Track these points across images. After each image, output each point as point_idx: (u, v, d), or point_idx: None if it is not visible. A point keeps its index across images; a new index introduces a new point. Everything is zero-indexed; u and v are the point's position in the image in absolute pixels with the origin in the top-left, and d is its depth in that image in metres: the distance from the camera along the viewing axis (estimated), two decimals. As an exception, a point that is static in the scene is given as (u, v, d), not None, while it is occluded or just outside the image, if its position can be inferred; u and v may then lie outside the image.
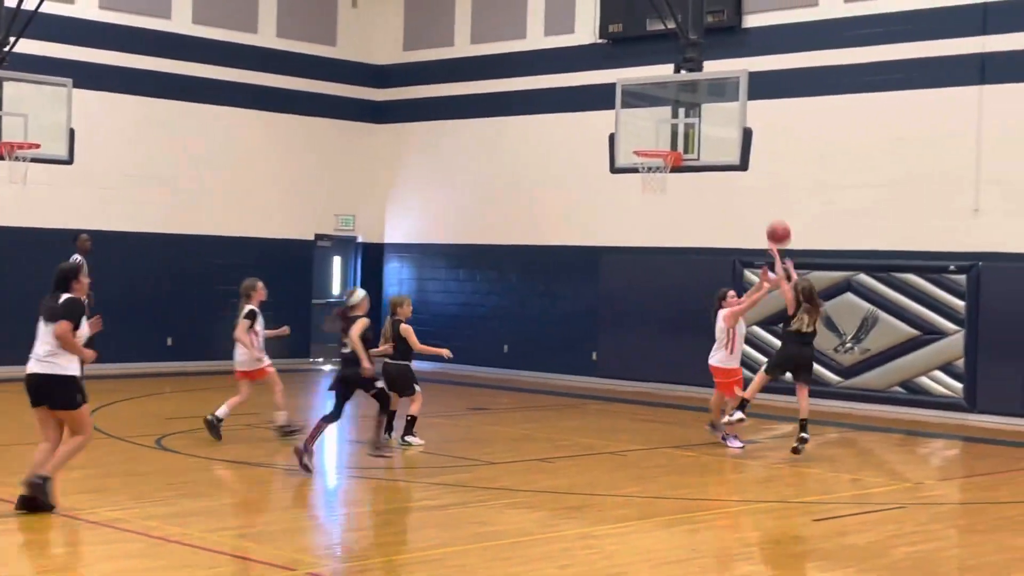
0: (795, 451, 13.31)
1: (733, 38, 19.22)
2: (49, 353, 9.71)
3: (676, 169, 14.71)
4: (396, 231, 24.37)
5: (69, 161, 16.81)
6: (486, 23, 22.92)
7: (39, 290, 20.27)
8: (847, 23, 18.63)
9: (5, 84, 16.05)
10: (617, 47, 20.93)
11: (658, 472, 12.84)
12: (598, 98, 19.64)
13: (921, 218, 17.88)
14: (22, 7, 16.40)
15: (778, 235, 13.75)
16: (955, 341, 17.45)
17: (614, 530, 9.94)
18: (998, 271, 17.16)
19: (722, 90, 14.77)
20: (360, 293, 12.56)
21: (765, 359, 16.60)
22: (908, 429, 16.53)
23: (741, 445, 14.16)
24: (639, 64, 19.16)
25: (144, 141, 21.31)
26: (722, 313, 14.24)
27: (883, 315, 17.96)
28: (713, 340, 14.35)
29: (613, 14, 20.93)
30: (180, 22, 21.83)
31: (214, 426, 13.52)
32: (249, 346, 13.82)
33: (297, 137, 23.27)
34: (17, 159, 15.86)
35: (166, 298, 21.46)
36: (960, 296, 17.44)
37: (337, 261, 24.41)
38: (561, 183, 21.66)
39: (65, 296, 9.87)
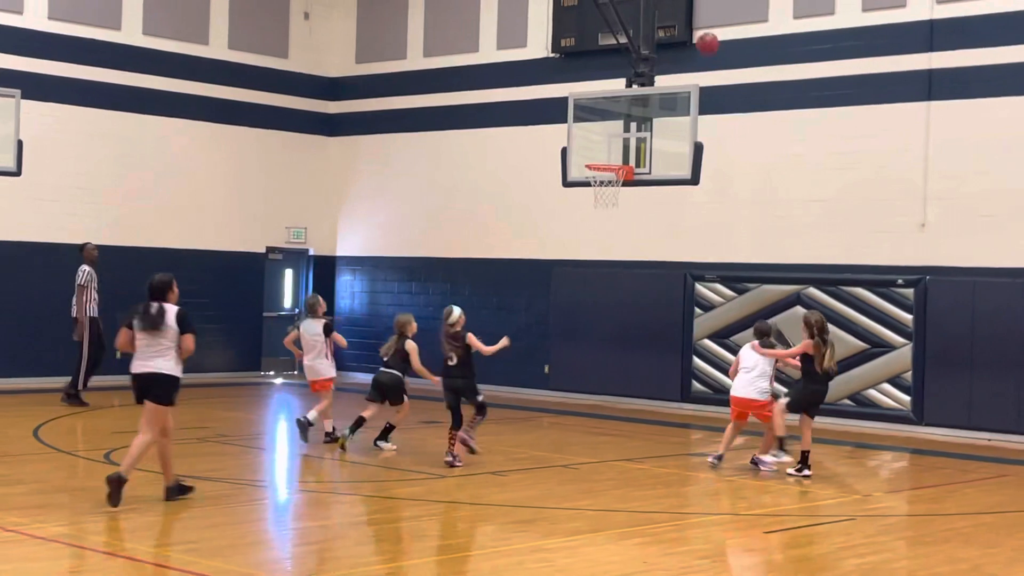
0: (804, 477, 13.12)
1: (684, 53, 19.34)
2: (157, 355, 10.76)
3: (628, 183, 14.78)
4: (348, 244, 24.31)
5: (17, 173, 16.64)
6: (439, 36, 22.94)
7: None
8: (796, 39, 18.81)
9: (-48, 95, 15.89)
10: (569, 61, 21.01)
11: (609, 485, 12.87)
12: (550, 112, 19.73)
13: (869, 232, 18.06)
14: (-30, 17, 16.25)
15: (708, 45, 14.41)
16: (903, 354, 17.63)
17: (566, 543, 9.95)
18: (945, 284, 17.35)
19: (673, 104, 14.88)
20: (457, 311, 13.60)
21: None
22: (857, 441, 16.67)
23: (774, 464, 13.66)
24: (591, 78, 19.28)
25: (93, 153, 21.14)
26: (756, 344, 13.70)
27: (832, 328, 18.08)
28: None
29: (565, 28, 21.02)
30: (130, 33, 21.68)
31: (304, 427, 14.31)
32: (330, 357, 14.88)
33: (248, 149, 23.17)
34: (-36, 171, 15.69)
35: (114, 312, 21.22)
36: (908, 309, 17.63)
37: (289, 274, 24.31)
38: (513, 196, 21.70)
39: (174, 307, 10.88)
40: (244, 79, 23.05)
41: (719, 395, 19.18)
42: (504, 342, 13.92)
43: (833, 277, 18.26)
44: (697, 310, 19.43)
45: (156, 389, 10.83)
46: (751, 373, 13.51)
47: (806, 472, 13.11)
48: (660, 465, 14.11)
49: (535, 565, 9.23)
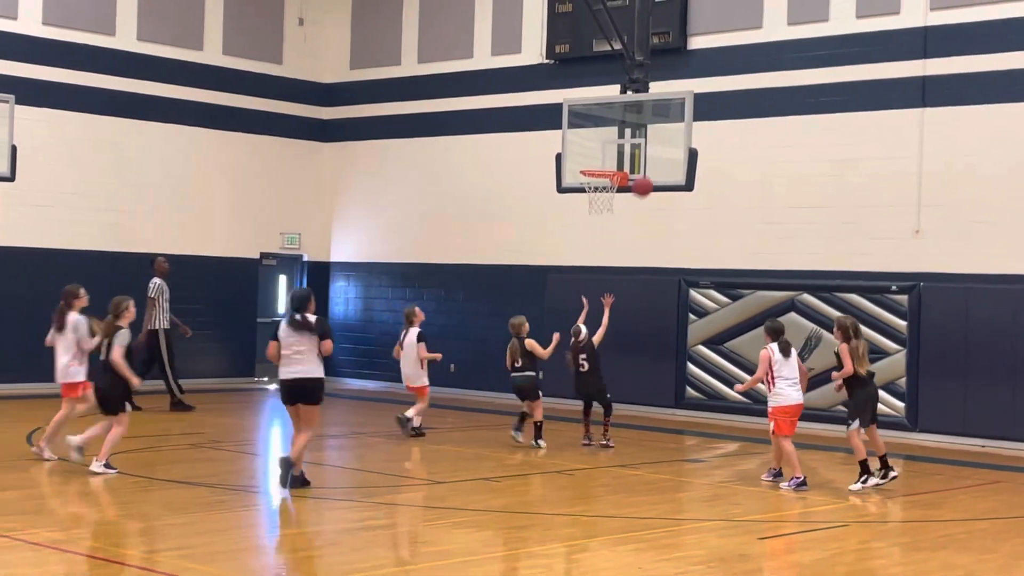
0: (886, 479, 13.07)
1: (679, 59, 19.37)
2: (304, 361, 11.84)
3: (622, 189, 14.79)
4: (342, 249, 24.30)
5: (11, 178, 16.62)
6: (433, 42, 22.94)
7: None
8: (791, 45, 18.84)
9: (-54, 100, 15.87)
10: (564, 67, 21.02)
11: (604, 491, 12.86)
12: (545, 118, 19.73)
13: (863, 239, 18.08)
14: (-36, 22, 16.23)
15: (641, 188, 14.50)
16: (897, 360, 17.64)
17: (561, 549, 9.95)
18: (939, 291, 17.37)
19: (667, 111, 14.90)
20: (584, 329, 15.54)
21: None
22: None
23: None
24: (586, 84, 19.29)
25: (88, 158, 21.12)
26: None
27: (826, 335, 18.03)
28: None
29: (560, 35, 21.03)
30: (125, 39, 21.66)
31: (404, 424, 15.55)
32: (425, 364, 15.99)
33: (243, 155, 23.16)
34: (-43, 176, 15.67)
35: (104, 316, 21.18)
36: (902, 316, 17.64)
37: (283, 280, 24.29)
38: (508, 202, 21.70)
39: (316, 317, 12.02)
40: (238, 85, 23.05)
41: (713, 401, 19.21)
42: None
43: (827, 283, 18.27)
44: (691, 316, 19.43)
45: (308, 392, 11.91)
46: (792, 380, 12.96)
47: (892, 474, 13.08)
48: (654, 471, 14.10)
49: (530, 571, 9.22)
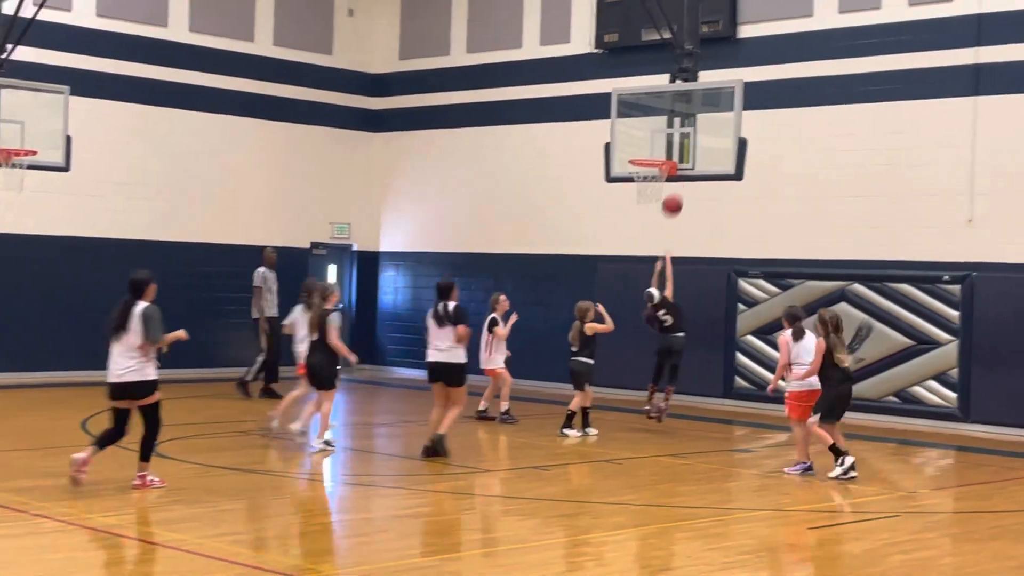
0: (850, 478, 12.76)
1: (728, 48, 19.28)
2: (449, 347, 13.15)
3: (671, 178, 14.77)
4: (391, 239, 24.40)
5: (66, 168, 16.83)
6: (482, 32, 22.97)
7: (35, 295, 20.36)
8: (842, 34, 18.71)
9: (3, 91, 16.07)
10: (613, 57, 20.98)
11: (652, 480, 12.87)
12: (594, 107, 19.71)
13: (915, 228, 17.93)
14: (20, 15, 16.42)
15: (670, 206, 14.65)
16: (949, 351, 17.49)
17: (609, 537, 9.96)
18: (992, 281, 17.21)
19: (717, 100, 14.84)
20: (656, 292, 16.19)
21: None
22: (902, 439, 16.57)
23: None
24: (635, 74, 19.22)
25: (140, 149, 21.33)
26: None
27: (877, 325, 18.00)
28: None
29: (609, 24, 20.99)
30: (177, 30, 21.86)
31: (507, 417, 15.92)
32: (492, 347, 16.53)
33: (293, 145, 23.30)
34: (14, 166, 15.88)
35: (161, 305, 21.34)
36: (954, 306, 17.49)
37: (333, 269, 24.42)
38: (556, 192, 21.70)
39: (455, 304, 13.35)
40: (289, 75, 23.19)
41: (762, 391, 19.09)
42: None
43: (878, 273, 18.14)
44: (740, 306, 19.37)
45: (448, 375, 13.22)
46: (805, 365, 12.88)
47: (850, 468, 12.75)
48: (703, 461, 14.08)
49: (578, 559, 9.25)
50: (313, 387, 13.95)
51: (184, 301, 21.50)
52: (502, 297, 16.92)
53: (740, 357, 19.36)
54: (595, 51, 21.30)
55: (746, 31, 19.62)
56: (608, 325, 15.70)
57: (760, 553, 9.72)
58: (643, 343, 17.35)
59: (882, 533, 10.40)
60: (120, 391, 10.86)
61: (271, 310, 18.73)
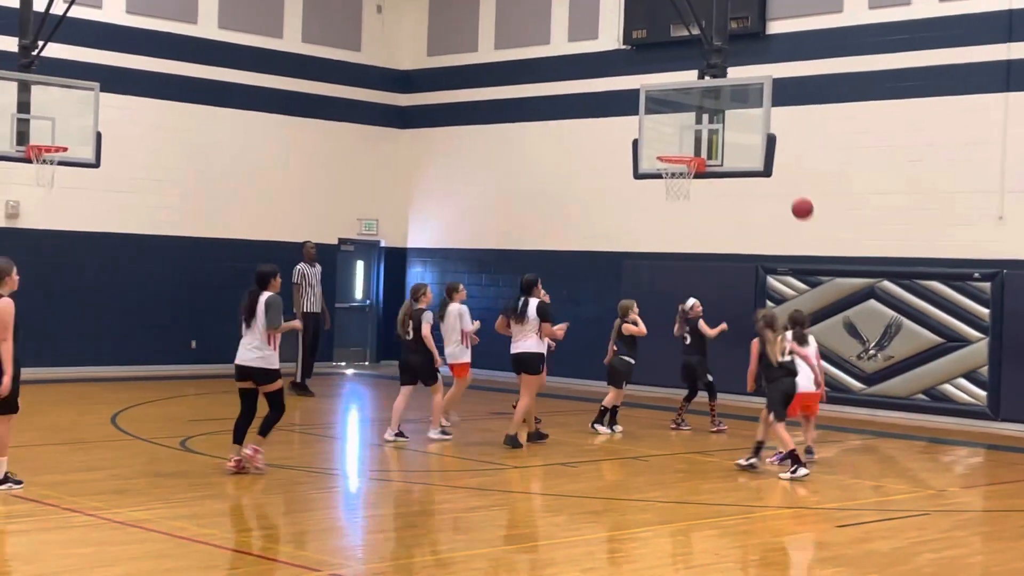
0: (751, 467, 12.88)
1: (757, 44, 19.22)
2: (523, 339, 14.02)
3: (699, 175, 14.71)
4: (419, 235, 24.43)
5: (96, 165, 16.91)
6: (510, 28, 22.97)
7: (65, 291, 20.48)
8: (872, 29, 18.61)
9: (33, 88, 16.16)
10: (641, 53, 20.95)
11: (680, 477, 12.85)
12: (622, 104, 19.67)
13: (945, 225, 17.84)
14: (51, 12, 16.52)
15: (802, 210, 14.49)
16: (979, 349, 17.39)
17: (637, 534, 9.96)
18: (1022, 278, 17.09)
19: (746, 96, 14.77)
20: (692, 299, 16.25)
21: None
22: (931, 436, 16.48)
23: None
24: (663, 70, 19.18)
25: (170, 145, 21.43)
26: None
27: (907, 322, 17.91)
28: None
29: (637, 20, 20.95)
30: (206, 27, 21.95)
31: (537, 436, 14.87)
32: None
33: (321, 142, 23.37)
34: (44, 162, 15.96)
35: (190, 301, 21.57)
36: (984, 304, 17.38)
37: (360, 265, 24.48)
38: (584, 188, 21.68)
39: (535, 300, 14.13)
40: (317, 72, 23.26)
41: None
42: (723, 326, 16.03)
43: (907, 270, 18.05)
44: (769, 303, 19.29)
45: (523, 365, 13.99)
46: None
47: (754, 461, 12.89)
48: (730, 458, 14.03)
49: (605, 556, 9.25)
50: (408, 384, 14.31)
51: (213, 296, 21.64)
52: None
53: (768, 354, 19.26)
54: (623, 47, 21.26)
55: (775, 27, 19.55)
56: (640, 329, 15.62)
57: (788, 550, 9.69)
58: (670, 341, 17.29)
59: (911, 531, 10.35)
60: (244, 373, 11.67)
61: (311, 306, 18.75)
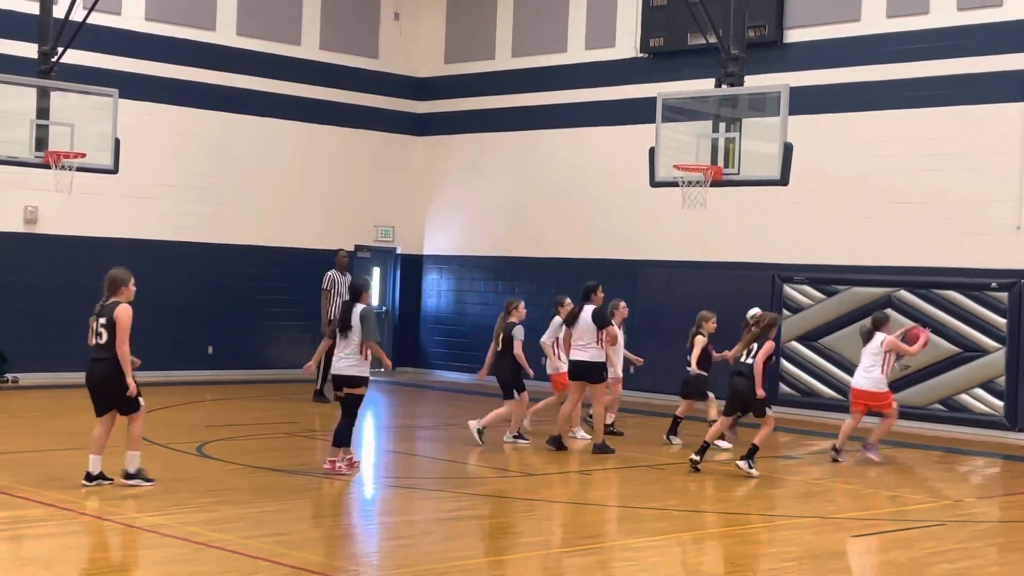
0: (696, 467, 13.21)
1: (774, 53, 19.21)
2: (586, 345, 14.08)
3: (716, 183, 14.69)
4: (435, 243, 24.46)
5: (114, 171, 16.97)
6: (527, 36, 23.00)
7: (81, 296, 20.54)
8: (889, 39, 18.58)
9: (53, 94, 16.22)
10: (658, 61, 20.95)
11: (696, 485, 12.82)
12: (638, 112, 19.68)
13: (962, 235, 17.79)
14: (70, 18, 16.60)
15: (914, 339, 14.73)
16: (996, 359, 17.33)
17: (653, 542, 9.95)
18: (1040, 289, 17.03)
19: (763, 105, 14.76)
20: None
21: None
22: (948, 447, 16.43)
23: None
24: (680, 78, 19.19)
25: (187, 151, 21.51)
26: (886, 338, 14.47)
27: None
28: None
29: (654, 28, 20.97)
30: (224, 34, 22.04)
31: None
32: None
33: (338, 148, 23.42)
34: (63, 168, 16.02)
35: (207, 307, 21.64)
36: (1001, 313, 17.33)
37: (376, 272, 24.52)
38: (600, 196, 21.68)
39: (592, 309, 14.13)
40: (335, 79, 23.31)
41: (807, 398, 19.05)
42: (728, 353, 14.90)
43: (925, 280, 18.00)
44: (785, 312, 19.27)
45: (584, 373, 14.11)
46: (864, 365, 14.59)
47: (696, 458, 13.22)
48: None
49: (622, 564, 9.24)
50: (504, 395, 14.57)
51: (231, 303, 21.73)
52: (622, 304, 16.30)
53: (785, 363, 19.25)
54: (640, 55, 21.28)
55: (793, 36, 19.54)
56: (696, 352, 15.47)
57: (803, 560, 9.67)
58: (682, 350, 17.25)
59: (927, 542, 10.32)
60: (341, 382, 12.38)
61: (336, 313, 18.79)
